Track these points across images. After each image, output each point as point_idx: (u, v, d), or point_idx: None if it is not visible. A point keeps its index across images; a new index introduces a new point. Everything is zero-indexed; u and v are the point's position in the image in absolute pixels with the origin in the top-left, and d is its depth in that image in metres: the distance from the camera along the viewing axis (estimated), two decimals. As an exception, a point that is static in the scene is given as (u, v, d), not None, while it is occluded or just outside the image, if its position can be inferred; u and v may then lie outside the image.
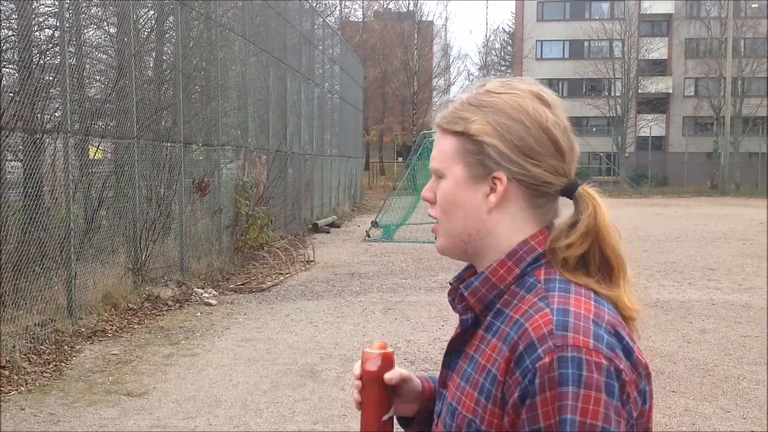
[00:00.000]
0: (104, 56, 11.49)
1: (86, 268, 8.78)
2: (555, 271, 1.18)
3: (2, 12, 9.31)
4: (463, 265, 1.34)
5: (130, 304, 9.14)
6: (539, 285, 1.17)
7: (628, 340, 1.13)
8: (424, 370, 6.90)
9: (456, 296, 1.28)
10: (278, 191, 17.13)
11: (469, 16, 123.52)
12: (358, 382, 1.35)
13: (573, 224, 1.20)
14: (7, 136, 8.07)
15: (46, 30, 9.79)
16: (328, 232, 20.32)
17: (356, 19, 60.77)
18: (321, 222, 21.16)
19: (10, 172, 8.91)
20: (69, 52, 8.45)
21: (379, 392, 1.35)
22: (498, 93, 1.23)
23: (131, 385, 6.36)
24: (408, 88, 57.66)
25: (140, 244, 10.05)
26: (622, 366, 1.09)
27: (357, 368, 1.35)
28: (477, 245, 1.24)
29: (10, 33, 9.23)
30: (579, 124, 53.40)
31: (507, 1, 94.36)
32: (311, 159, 21.91)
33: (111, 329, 8.21)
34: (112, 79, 10.54)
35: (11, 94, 8.44)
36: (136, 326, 8.53)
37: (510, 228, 1.22)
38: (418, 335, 8.34)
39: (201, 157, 12.90)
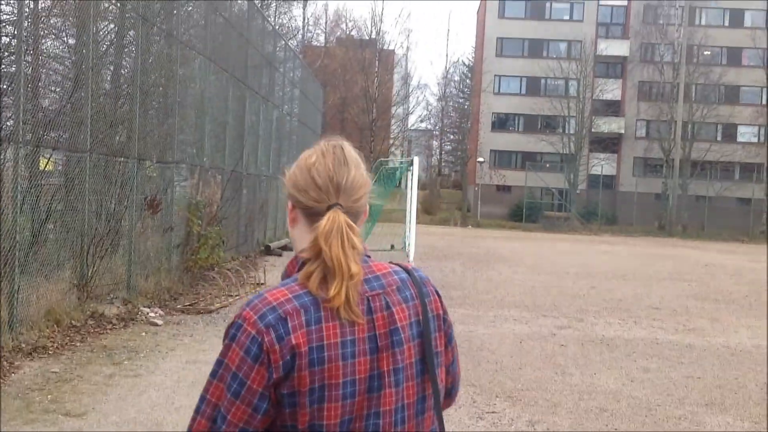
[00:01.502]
0: (61, 67, 11.32)
1: (30, 281, 8.56)
2: (297, 272, 1.67)
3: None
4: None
5: (73, 321, 8.93)
6: (281, 283, 1.66)
7: (291, 327, 1.55)
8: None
9: None
10: (232, 211, 16.99)
11: (431, 47, 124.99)
12: None
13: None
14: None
15: (3, 38, 9.62)
16: (281, 255, 20.20)
17: (318, 44, 61.02)
18: (274, 244, 21.02)
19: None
20: (25, 61, 8.29)
21: None
22: (305, 154, 1.75)
23: (70, 405, 6.19)
24: (367, 115, 57.95)
25: (87, 259, 9.85)
26: (266, 338, 1.53)
27: None
28: (296, 250, 1.73)
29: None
30: (533, 159, 54.17)
31: (468, 35, 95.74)
32: (267, 180, 21.81)
33: (52, 346, 8.00)
34: (68, 90, 10.38)
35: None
36: (78, 344, 8.33)
37: (300, 239, 1.72)
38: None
39: (154, 174, 12.73)
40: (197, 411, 1.58)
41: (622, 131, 55.15)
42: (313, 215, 1.67)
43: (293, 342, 1.53)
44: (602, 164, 52.68)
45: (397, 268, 1.74)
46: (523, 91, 56.60)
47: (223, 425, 1.55)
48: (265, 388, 1.53)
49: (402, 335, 1.63)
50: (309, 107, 31.25)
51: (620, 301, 14.51)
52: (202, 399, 1.57)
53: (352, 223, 1.65)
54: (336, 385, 1.54)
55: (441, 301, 1.78)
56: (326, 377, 1.53)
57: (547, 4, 56.49)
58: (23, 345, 7.69)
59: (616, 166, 55.54)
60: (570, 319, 11.96)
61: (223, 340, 1.59)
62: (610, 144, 55.24)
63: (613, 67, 56.42)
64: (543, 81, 55.21)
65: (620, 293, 15.66)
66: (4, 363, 7.11)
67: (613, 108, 55.67)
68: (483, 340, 10.01)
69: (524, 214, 49.45)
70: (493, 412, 6.72)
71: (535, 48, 56.32)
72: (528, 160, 53.72)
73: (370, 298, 1.63)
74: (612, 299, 14.64)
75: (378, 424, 1.59)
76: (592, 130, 53.08)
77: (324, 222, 1.61)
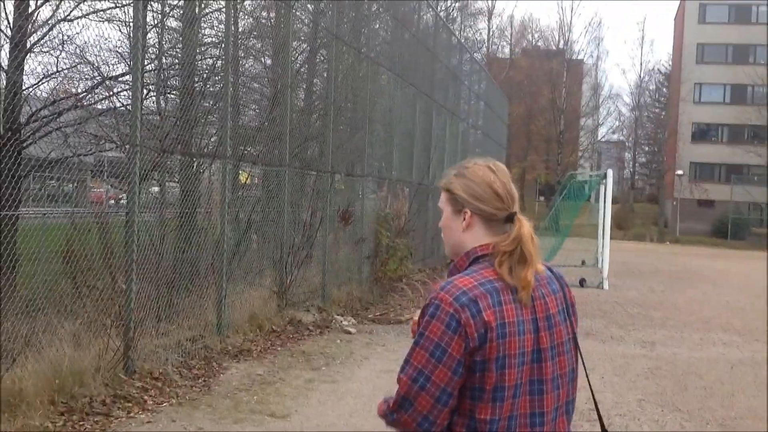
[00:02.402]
0: (258, 86, 11.98)
1: (234, 288, 9.06)
2: (483, 265, 2.05)
3: (168, 41, 9.90)
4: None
5: (273, 326, 9.33)
6: (469, 269, 2.06)
7: (482, 307, 1.95)
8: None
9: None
10: (419, 224, 17.17)
11: (622, 55, 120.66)
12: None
13: (509, 236, 2.06)
14: (167, 159, 8.49)
15: (208, 59, 10.31)
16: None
17: (503, 56, 60.68)
18: (460, 257, 20.96)
19: (167, 192, 9.39)
20: (230, 80, 8.81)
21: None
22: (467, 167, 2.17)
23: (275, 407, 6.44)
24: (554, 126, 56.81)
25: (285, 268, 10.28)
26: (463, 315, 1.94)
27: (417, 316, 2.09)
28: (456, 251, 2.16)
29: (175, 61, 9.78)
30: (739, 171, 50.58)
31: (664, 41, 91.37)
32: (453, 194, 21.82)
33: (256, 349, 8.39)
34: (266, 108, 10.94)
35: (173, 119, 8.90)
36: (279, 348, 8.69)
37: (473, 240, 2.12)
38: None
39: (343, 187, 13.12)
40: (402, 371, 1.98)
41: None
42: (492, 221, 2.11)
43: (486, 318, 1.94)
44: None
45: (542, 266, 2.15)
46: (727, 100, 53.03)
47: (427, 384, 1.94)
48: (462, 355, 1.94)
49: (554, 319, 2.08)
50: (494, 120, 31.08)
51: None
52: (407, 362, 1.99)
53: None
54: (513, 355, 1.97)
55: (572, 293, 2.22)
56: (507, 348, 1.96)
57: (753, 7, 52.56)
58: (230, 348, 8.12)
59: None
60: (786, 341, 10.93)
61: (421, 318, 2.00)
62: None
63: (828, 71, 51.55)
64: (749, 89, 51.43)
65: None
66: (214, 364, 7.54)
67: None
68: (690, 364, 9.35)
69: (729, 230, 45.87)
70: (702, 436, 6.25)
71: (740, 53, 52.59)
72: (733, 172, 50.16)
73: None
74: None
75: (541, 389, 2.02)
76: (805, 138, 48.70)
77: (524, 226, 2.07)
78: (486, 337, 1.93)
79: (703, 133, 53.92)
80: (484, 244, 2.09)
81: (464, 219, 2.13)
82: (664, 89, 64.50)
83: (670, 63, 62.47)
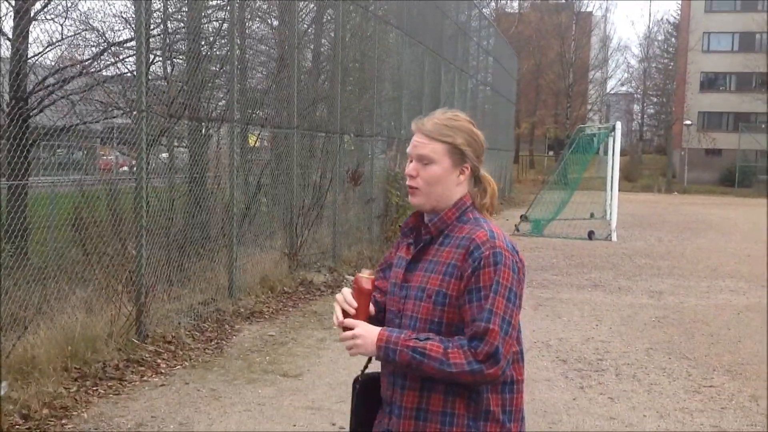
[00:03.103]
0: (265, 48, 11.90)
1: (245, 251, 9.13)
2: (476, 214, 2.22)
3: (173, 5, 9.83)
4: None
5: (285, 288, 9.42)
6: (471, 219, 2.19)
7: (519, 250, 2.18)
8: (577, 370, 6.68)
9: (410, 229, 2.29)
10: (429, 183, 17.13)
11: (631, 6, 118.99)
12: (350, 298, 2.22)
13: (483, 191, 2.25)
14: (175, 124, 8.50)
15: (214, 22, 10.24)
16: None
17: (512, 11, 59.89)
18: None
19: (176, 158, 9.42)
20: (236, 43, 8.76)
21: (367, 303, 2.24)
22: (458, 120, 2.22)
23: (287, 366, 6.54)
24: (563, 80, 56.23)
25: (296, 230, 10.33)
26: (518, 259, 2.14)
27: (346, 292, 2.24)
28: (442, 204, 2.20)
29: (181, 25, 9.72)
30: (747, 120, 50.14)
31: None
32: (462, 151, 21.75)
33: (267, 311, 8.49)
34: (273, 70, 10.88)
35: (180, 84, 8.87)
36: (290, 309, 8.78)
37: (460, 193, 2.21)
38: (570, 334, 8.08)
39: (352, 148, 13.11)
40: (489, 321, 2.05)
41: None
42: (473, 176, 2.24)
43: (522, 259, 2.18)
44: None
45: None
46: (736, 48, 52.35)
47: (509, 329, 2.07)
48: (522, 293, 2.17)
49: None
50: (503, 75, 30.81)
51: None
52: (492, 312, 2.05)
53: None
54: None
55: None
56: None
57: (762, -47, 51.60)
58: (242, 310, 8.22)
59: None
60: (795, 290, 10.97)
61: (484, 267, 2.08)
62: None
63: (841, 15, 50.72)
64: (758, 36, 50.71)
65: None
66: (226, 327, 7.64)
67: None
68: (696, 312, 9.42)
69: (737, 178, 45.81)
70: (710, 386, 6.31)
71: (749, 1, 51.73)
72: (741, 121, 49.71)
73: None
74: None
75: None
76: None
77: (492, 181, 2.27)
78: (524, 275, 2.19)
79: (711, 83, 53.35)
80: (465, 196, 2.22)
81: (462, 173, 2.19)
82: (673, 39, 63.59)
83: (679, 12, 61.47)
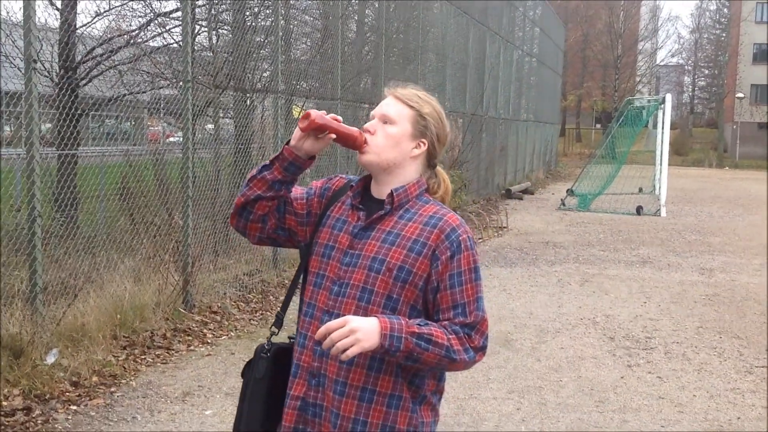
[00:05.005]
0: (309, 18, 11.83)
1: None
2: (431, 198, 2.15)
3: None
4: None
5: (327, 260, 9.40)
6: (431, 201, 2.13)
7: None
8: (624, 348, 6.57)
9: (358, 192, 2.14)
10: (473, 155, 17.01)
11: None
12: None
13: (438, 184, 2.17)
14: (220, 95, 8.50)
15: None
16: (521, 199, 19.97)
17: (559, -20, 58.75)
18: (514, 188, 20.82)
19: (221, 128, 9.44)
20: (281, 14, 8.71)
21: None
22: (432, 100, 2.17)
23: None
24: (611, 51, 55.16)
25: (339, 202, 10.29)
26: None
27: (314, 114, 2.14)
28: (394, 171, 2.11)
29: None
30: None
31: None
32: (506, 124, 21.55)
33: (311, 283, 8.49)
34: (317, 41, 10.82)
35: (225, 55, 8.87)
36: (333, 281, 8.77)
37: (413, 170, 2.13)
38: (617, 311, 7.95)
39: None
40: (480, 309, 2.05)
41: None
42: (428, 161, 2.15)
43: None
44: None
45: None
46: (790, 18, 50.77)
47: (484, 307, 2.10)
48: None
49: None
50: (549, 46, 30.29)
51: None
52: (480, 299, 2.06)
53: None
54: None
55: None
56: None
57: None
58: (286, 281, 8.22)
59: None
60: None
61: (464, 251, 2.04)
62: None
63: None
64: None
65: None
66: (271, 298, 7.67)
67: None
68: (748, 290, 9.20)
69: (790, 153, 44.66)
70: (763, 367, 6.16)
71: (807, -34, 50.08)
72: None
73: None
74: None
75: None
76: None
77: (447, 178, 2.20)
78: None
79: (764, 54, 51.83)
80: (422, 178, 2.15)
81: (418, 147, 2.11)
82: (725, 9, 61.87)
83: (734, -19, 59.76)
